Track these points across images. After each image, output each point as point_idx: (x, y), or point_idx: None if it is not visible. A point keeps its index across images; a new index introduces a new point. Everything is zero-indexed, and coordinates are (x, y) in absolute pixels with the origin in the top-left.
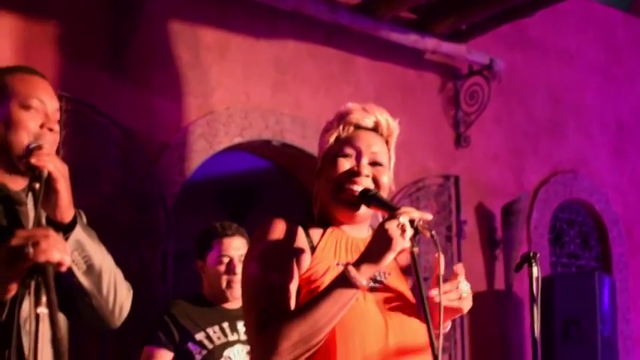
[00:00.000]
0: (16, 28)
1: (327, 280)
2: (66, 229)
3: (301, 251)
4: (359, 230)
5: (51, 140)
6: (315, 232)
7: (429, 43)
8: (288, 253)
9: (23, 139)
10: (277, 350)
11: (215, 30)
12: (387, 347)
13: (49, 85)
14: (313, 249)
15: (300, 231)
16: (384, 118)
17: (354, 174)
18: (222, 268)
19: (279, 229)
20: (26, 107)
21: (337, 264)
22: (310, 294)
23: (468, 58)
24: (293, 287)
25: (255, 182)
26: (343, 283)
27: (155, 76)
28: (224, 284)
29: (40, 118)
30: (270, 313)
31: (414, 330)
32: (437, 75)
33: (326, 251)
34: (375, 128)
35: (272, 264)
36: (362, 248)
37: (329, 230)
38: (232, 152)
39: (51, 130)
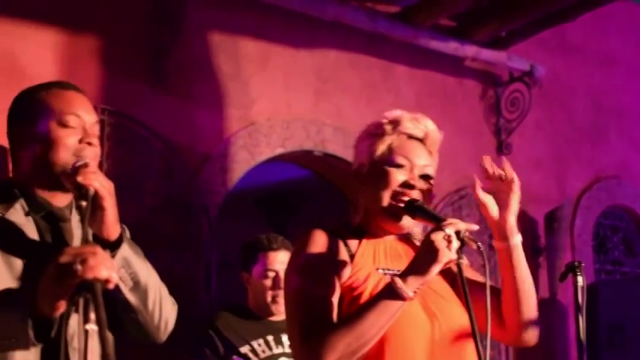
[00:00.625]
0: (59, 42)
1: (369, 287)
2: (112, 247)
3: (341, 260)
4: (396, 236)
5: (92, 154)
6: (353, 239)
7: (469, 50)
8: (329, 263)
9: (63, 156)
10: None
11: (255, 40)
12: (434, 347)
13: (85, 98)
14: (352, 257)
15: (339, 239)
16: (432, 129)
17: (408, 186)
18: (268, 282)
19: (318, 241)
20: (63, 124)
21: (377, 269)
22: (353, 302)
23: (509, 65)
24: (335, 298)
25: (297, 192)
26: (390, 295)
27: (196, 88)
28: (269, 299)
29: (78, 133)
30: (314, 324)
31: (459, 329)
32: (477, 82)
33: (365, 258)
34: (423, 139)
35: (313, 276)
36: (400, 253)
37: (367, 236)
38: (274, 162)
39: (90, 144)
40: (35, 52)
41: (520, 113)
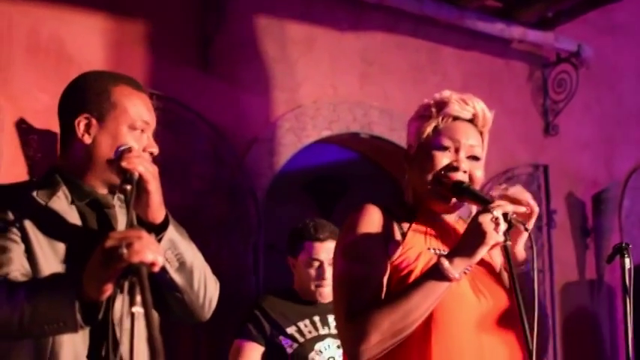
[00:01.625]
0: (107, 27)
1: (419, 266)
2: (158, 230)
3: (391, 238)
4: (448, 216)
5: (150, 162)
6: (405, 218)
7: (516, 31)
8: (378, 241)
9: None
10: (367, 339)
11: (301, 24)
12: (481, 328)
13: (149, 101)
14: (404, 235)
15: (390, 217)
16: (481, 109)
17: (452, 169)
18: (312, 272)
19: (369, 217)
20: (133, 128)
21: (429, 249)
22: (402, 281)
23: (556, 46)
24: (383, 277)
25: (344, 174)
26: (436, 276)
27: (242, 72)
28: (312, 287)
29: (143, 140)
30: (360, 303)
31: (506, 310)
32: (524, 63)
33: (417, 237)
34: (472, 120)
35: (360, 255)
36: (451, 234)
37: (418, 216)
38: (320, 145)
39: (152, 154)
40: (83, 38)
41: (567, 94)
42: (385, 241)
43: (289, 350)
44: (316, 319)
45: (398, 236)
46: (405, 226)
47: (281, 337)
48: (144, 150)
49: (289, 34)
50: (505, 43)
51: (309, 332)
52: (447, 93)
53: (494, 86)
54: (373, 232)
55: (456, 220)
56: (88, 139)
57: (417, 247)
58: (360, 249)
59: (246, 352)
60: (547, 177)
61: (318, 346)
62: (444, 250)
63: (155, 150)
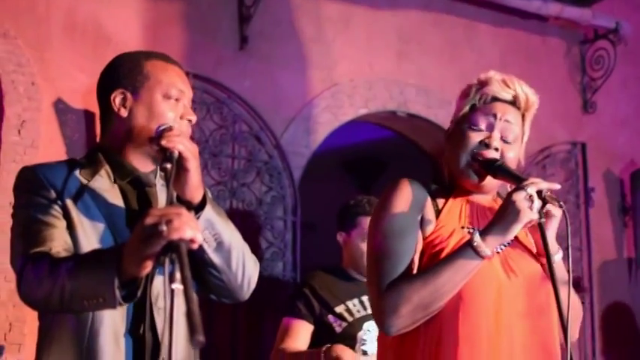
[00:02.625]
0: (144, 7)
1: (451, 243)
2: (196, 209)
3: (425, 214)
4: (484, 195)
5: (188, 130)
6: (441, 196)
7: (553, 8)
8: (412, 217)
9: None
10: (398, 312)
11: (337, 2)
12: (511, 306)
13: (184, 74)
14: (438, 212)
15: (425, 194)
16: (523, 92)
17: (483, 146)
18: (365, 247)
19: (404, 193)
20: (167, 97)
21: (462, 227)
22: (434, 257)
23: (593, 23)
24: (415, 253)
25: (381, 152)
26: (468, 253)
27: (279, 51)
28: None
29: (179, 108)
30: (392, 277)
31: (539, 288)
32: (561, 40)
33: (451, 215)
34: (514, 102)
35: (395, 230)
36: (487, 213)
37: (454, 194)
38: (357, 123)
39: (190, 121)
40: (120, 18)
41: (605, 71)
42: (419, 217)
43: (338, 329)
44: (364, 298)
45: (432, 213)
46: (440, 203)
47: (330, 316)
48: (181, 118)
49: (326, 13)
50: (542, 20)
51: (358, 311)
52: (491, 73)
53: (531, 63)
54: (407, 207)
55: (494, 199)
56: (124, 113)
57: (451, 225)
58: (394, 224)
59: (296, 331)
60: (585, 155)
61: (367, 325)
62: (478, 229)
63: (193, 118)
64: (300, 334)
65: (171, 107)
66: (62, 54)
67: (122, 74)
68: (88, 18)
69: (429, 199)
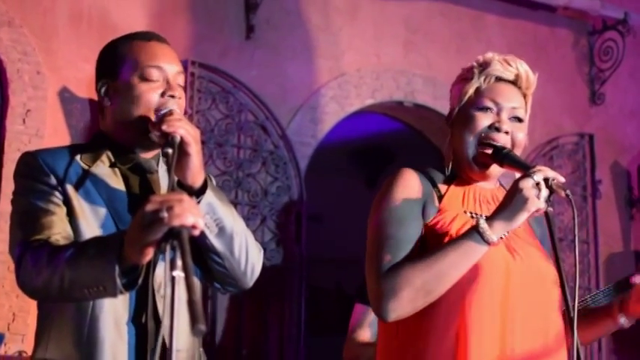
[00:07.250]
0: None
1: (454, 228)
2: (197, 193)
3: (428, 202)
4: (487, 183)
5: (175, 106)
6: (443, 181)
7: None
8: (413, 203)
9: (145, 112)
10: (398, 295)
11: None
12: (516, 294)
13: (168, 48)
14: (440, 198)
15: (427, 181)
16: (524, 70)
17: (493, 129)
18: None
19: (404, 181)
20: (145, 79)
21: (465, 212)
22: (437, 242)
23: (602, 13)
24: (416, 238)
25: (387, 143)
26: (474, 238)
27: (286, 40)
28: None
29: (160, 86)
30: (393, 261)
31: (544, 276)
32: (569, 31)
33: (453, 200)
34: (515, 81)
35: (395, 216)
36: (489, 199)
37: (456, 181)
38: (364, 113)
39: (172, 97)
40: (126, 7)
41: (613, 62)
42: (421, 204)
43: None
44: None
45: (435, 199)
46: (443, 189)
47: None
48: (162, 95)
49: (333, 3)
50: (550, 11)
51: None
52: (490, 54)
53: (539, 54)
54: (408, 194)
55: (497, 187)
56: (108, 102)
57: (454, 210)
58: (394, 210)
59: (369, 318)
60: (592, 146)
61: None
62: (481, 215)
63: (175, 93)
64: (375, 321)
65: (151, 88)
66: (68, 43)
67: (104, 64)
68: (93, 7)
69: (430, 185)
